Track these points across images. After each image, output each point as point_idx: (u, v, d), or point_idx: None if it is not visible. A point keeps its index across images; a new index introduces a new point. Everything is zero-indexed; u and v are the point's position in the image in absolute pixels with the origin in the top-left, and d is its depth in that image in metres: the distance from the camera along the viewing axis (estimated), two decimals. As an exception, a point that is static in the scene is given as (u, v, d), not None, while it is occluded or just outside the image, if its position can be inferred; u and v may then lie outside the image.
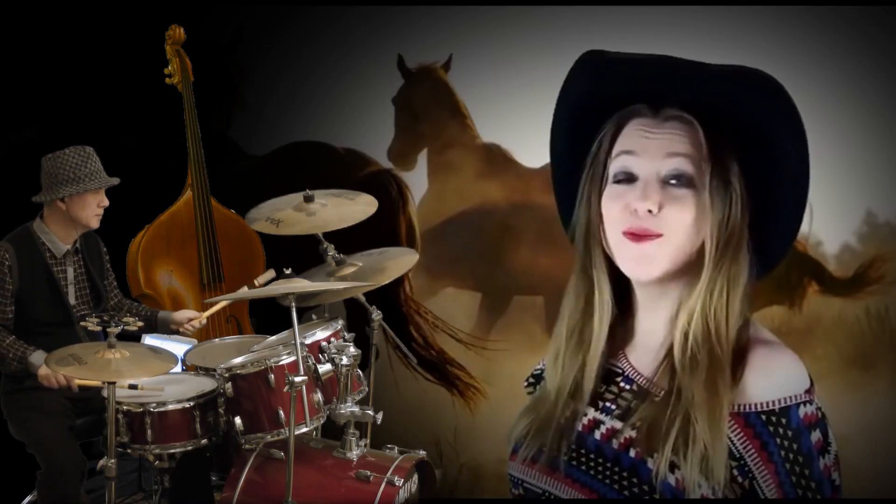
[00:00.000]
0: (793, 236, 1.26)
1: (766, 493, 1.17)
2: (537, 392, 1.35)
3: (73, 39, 4.73)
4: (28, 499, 3.28)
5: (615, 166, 1.22)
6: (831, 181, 4.17)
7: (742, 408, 1.18)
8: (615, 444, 1.22)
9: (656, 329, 1.26)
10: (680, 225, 1.19)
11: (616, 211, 1.21)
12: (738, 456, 1.17)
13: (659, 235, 1.19)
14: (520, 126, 4.78)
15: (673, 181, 1.19)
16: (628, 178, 1.21)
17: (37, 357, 3.16)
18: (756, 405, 1.18)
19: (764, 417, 1.17)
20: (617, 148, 1.23)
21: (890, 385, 4.23)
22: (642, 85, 1.23)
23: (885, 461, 3.87)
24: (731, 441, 1.17)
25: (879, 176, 4.35)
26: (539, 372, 1.42)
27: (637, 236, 1.20)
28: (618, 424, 1.23)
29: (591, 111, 1.26)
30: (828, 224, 4.47)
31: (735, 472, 1.17)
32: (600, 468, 1.23)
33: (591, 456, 1.24)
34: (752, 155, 1.20)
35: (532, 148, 4.85)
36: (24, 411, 3.27)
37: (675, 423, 1.17)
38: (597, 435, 1.25)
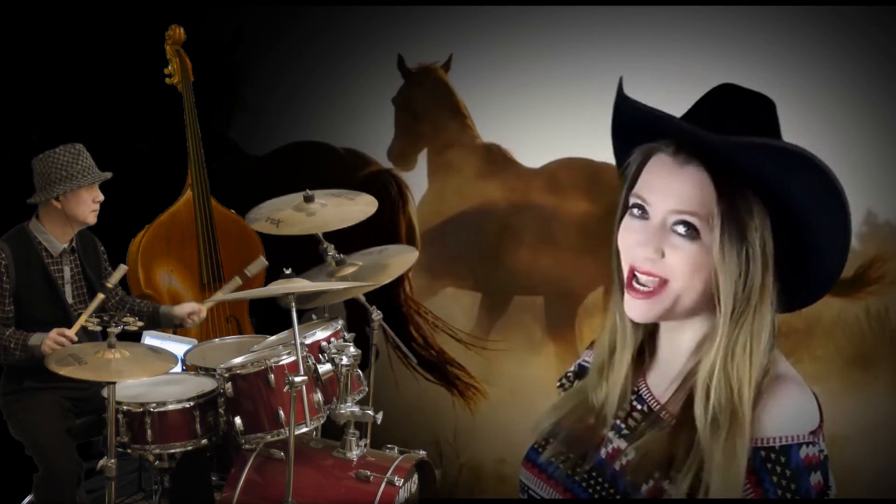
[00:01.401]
0: (823, 292, 1.26)
1: None
2: (571, 393, 1.36)
3: (74, 39, 4.73)
4: (28, 499, 3.29)
5: (633, 198, 1.24)
6: (831, 181, 4.15)
7: None
8: (617, 465, 1.23)
9: (675, 356, 1.27)
10: (681, 272, 1.19)
11: (627, 244, 1.23)
12: None
13: (664, 282, 1.20)
14: (520, 126, 4.78)
15: (680, 229, 1.19)
16: (642, 214, 1.22)
17: (35, 338, 3.16)
18: (757, 440, 1.16)
19: (763, 454, 1.16)
20: (639, 181, 1.24)
21: (890, 385, 4.23)
22: (666, 131, 1.22)
23: (885, 461, 3.87)
24: None
25: (879, 176, 4.35)
26: (570, 374, 1.43)
27: (639, 292, 1.21)
28: (623, 445, 1.24)
29: (630, 129, 1.26)
30: (828, 224, 4.46)
31: None
32: (598, 487, 1.24)
33: (594, 473, 1.25)
34: (782, 220, 1.19)
35: (532, 148, 4.85)
36: (22, 412, 3.27)
37: (688, 476, 1.16)
38: (602, 454, 1.26)
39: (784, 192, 1.17)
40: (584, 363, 1.42)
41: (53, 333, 3.12)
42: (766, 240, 1.19)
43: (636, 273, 1.22)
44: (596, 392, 1.30)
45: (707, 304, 1.22)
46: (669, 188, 1.20)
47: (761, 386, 1.19)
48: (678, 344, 1.26)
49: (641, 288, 1.21)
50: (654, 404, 1.26)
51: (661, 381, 1.28)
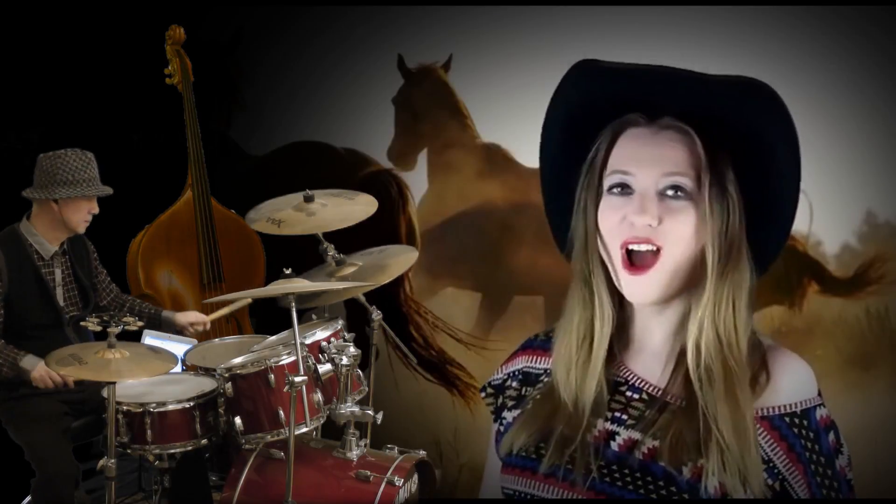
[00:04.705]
0: (786, 235, 1.26)
1: (798, 493, 1.18)
2: (539, 402, 1.31)
3: (74, 39, 4.73)
4: (26, 500, 3.28)
5: (611, 178, 1.22)
6: (831, 181, 4.17)
7: (766, 411, 1.19)
8: (638, 454, 1.20)
9: (659, 338, 1.26)
10: (679, 237, 1.19)
11: (613, 222, 1.21)
12: (766, 459, 1.18)
13: (657, 252, 1.19)
14: (520, 126, 4.78)
15: (670, 192, 1.19)
16: (624, 190, 1.21)
17: (27, 361, 3.15)
18: (778, 408, 1.19)
19: (787, 419, 1.19)
20: (613, 159, 1.23)
21: (890, 385, 4.23)
22: (637, 95, 1.22)
23: (885, 461, 3.87)
24: (760, 444, 1.18)
25: (879, 176, 4.35)
26: (499, 382, 1.40)
27: (636, 268, 1.20)
28: (636, 435, 1.22)
29: (586, 119, 1.25)
30: (828, 224, 4.47)
31: (765, 474, 1.17)
32: (629, 479, 1.19)
33: (614, 467, 1.21)
34: (747, 159, 1.20)
35: (532, 148, 4.79)
36: (18, 418, 3.26)
37: (704, 436, 1.17)
38: (614, 446, 1.22)
39: (751, 130, 1.18)
40: (528, 369, 1.37)
41: (45, 371, 3.10)
42: (738, 192, 1.21)
43: (630, 249, 1.20)
44: (568, 391, 1.25)
45: (689, 277, 1.22)
46: (653, 155, 1.20)
47: (759, 347, 1.22)
48: (661, 328, 1.25)
49: (638, 264, 1.20)
50: (655, 390, 1.24)
51: (651, 368, 1.26)
